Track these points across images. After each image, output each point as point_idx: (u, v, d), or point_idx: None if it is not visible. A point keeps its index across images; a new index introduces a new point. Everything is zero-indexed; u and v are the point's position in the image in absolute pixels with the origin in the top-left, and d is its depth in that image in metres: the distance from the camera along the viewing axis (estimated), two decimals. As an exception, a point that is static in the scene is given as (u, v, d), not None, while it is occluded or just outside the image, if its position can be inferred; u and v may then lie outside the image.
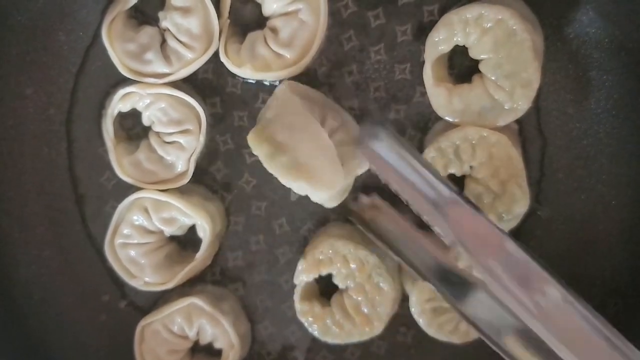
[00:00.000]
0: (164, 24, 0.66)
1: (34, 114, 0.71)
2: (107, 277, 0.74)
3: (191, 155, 0.69)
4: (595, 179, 0.69)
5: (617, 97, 0.67)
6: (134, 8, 0.68)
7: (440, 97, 0.65)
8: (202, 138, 0.68)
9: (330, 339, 0.70)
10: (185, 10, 0.65)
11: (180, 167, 0.69)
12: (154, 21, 0.68)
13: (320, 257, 0.68)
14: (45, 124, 0.71)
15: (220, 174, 0.72)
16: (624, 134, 0.67)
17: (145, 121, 0.69)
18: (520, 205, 0.65)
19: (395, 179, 0.53)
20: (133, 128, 0.71)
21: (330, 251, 0.68)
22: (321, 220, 0.73)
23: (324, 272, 0.69)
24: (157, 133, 0.69)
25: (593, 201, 0.69)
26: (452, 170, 0.66)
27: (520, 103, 0.63)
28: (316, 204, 0.71)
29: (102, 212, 0.73)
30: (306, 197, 0.67)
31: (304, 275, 0.69)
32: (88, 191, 0.73)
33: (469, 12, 0.63)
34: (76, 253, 0.74)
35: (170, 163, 0.69)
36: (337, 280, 0.69)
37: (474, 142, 0.64)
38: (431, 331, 0.69)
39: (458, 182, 0.67)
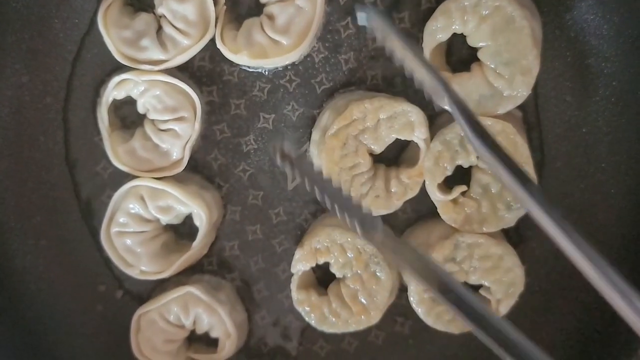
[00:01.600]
0: (160, 10, 0.66)
1: (30, 102, 0.71)
2: (103, 267, 0.74)
3: (186, 143, 0.68)
4: (595, 167, 0.69)
5: (616, 85, 0.66)
6: (130, -5, 0.68)
7: (439, 85, 0.65)
8: (197, 125, 0.68)
9: (327, 328, 0.70)
10: (181, -3, 0.65)
11: (175, 155, 0.69)
12: (149, 8, 0.68)
13: (318, 246, 0.68)
14: (41, 113, 0.71)
15: (217, 162, 0.72)
16: (623, 121, 0.67)
17: (140, 109, 0.68)
18: (527, 193, 0.64)
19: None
20: (128, 116, 0.71)
21: (328, 240, 0.68)
22: (318, 209, 0.72)
23: (321, 261, 0.68)
24: (152, 121, 0.68)
25: (592, 189, 0.69)
26: (459, 162, 0.65)
27: (519, 90, 0.63)
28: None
29: (99, 201, 0.73)
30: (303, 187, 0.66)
31: (301, 264, 0.69)
32: (84, 180, 0.73)
33: (467, 0, 0.62)
34: (72, 242, 0.74)
35: (165, 151, 0.68)
36: (334, 269, 0.69)
37: (477, 131, 0.64)
38: (429, 320, 0.68)
39: (465, 173, 0.66)
